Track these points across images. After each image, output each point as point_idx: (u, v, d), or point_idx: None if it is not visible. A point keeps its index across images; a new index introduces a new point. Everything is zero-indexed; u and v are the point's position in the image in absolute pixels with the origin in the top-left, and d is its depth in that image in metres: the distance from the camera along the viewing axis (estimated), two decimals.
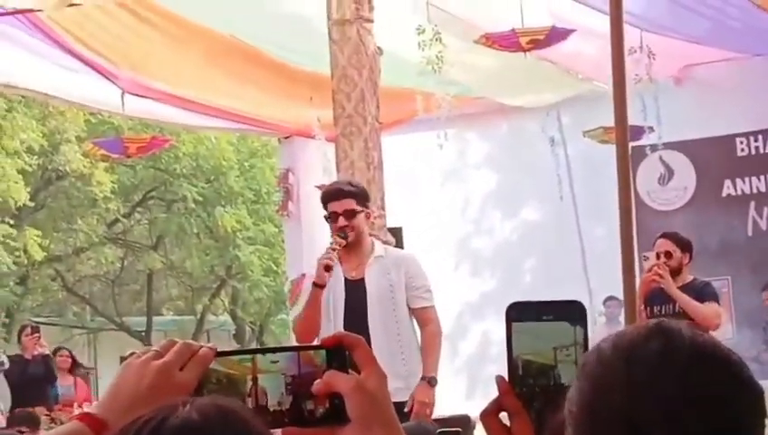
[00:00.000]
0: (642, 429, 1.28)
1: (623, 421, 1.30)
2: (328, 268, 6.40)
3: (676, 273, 7.66)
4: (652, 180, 11.79)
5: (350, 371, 1.64)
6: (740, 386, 1.32)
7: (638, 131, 9.98)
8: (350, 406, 1.46)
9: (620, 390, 1.32)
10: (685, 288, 7.68)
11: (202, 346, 1.56)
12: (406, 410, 6.55)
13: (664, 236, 7.93)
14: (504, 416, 1.53)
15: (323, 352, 1.66)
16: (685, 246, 7.95)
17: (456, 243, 12.47)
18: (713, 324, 7.41)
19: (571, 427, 1.36)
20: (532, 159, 11.73)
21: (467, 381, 10.73)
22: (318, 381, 1.50)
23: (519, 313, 1.53)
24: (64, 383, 12.91)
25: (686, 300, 7.61)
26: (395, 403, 5.69)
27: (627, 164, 5.14)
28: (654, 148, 11.26)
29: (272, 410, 1.52)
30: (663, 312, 7.59)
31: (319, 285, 6.46)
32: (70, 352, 13.61)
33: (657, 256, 7.71)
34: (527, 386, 1.50)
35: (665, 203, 11.75)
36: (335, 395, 1.59)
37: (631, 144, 5.29)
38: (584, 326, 1.53)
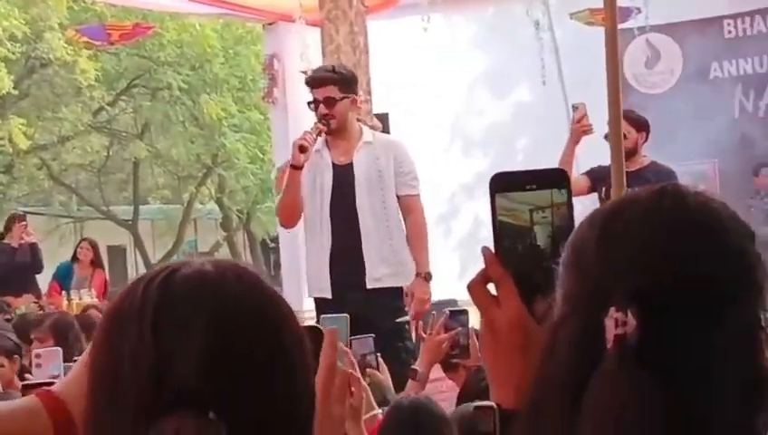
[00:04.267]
0: (604, 291, 1.26)
1: (591, 281, 1.29)
2: (303, 149, 6.37)
3: (631, 154, 7.01)
4: (639, 63, 11.74)
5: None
6: (727, 260, 1.29)
7: (626, 13, 9.91)
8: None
9: (593, 248, 1.31)
10: (641, 172, 7.24)
11: None
12: (407, 308, 6.58)
13: None
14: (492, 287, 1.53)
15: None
16: (640, 125, 7.64)
17: (447, 125, 12.46)
18: None
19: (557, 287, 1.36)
20: (520, 41, 11.66)
21: (460, 261, 10.76)
22: None
23: (502, 183, 1.53)
24: (81, 274, 12.85)
25: None
26: (385, 289, 5.69)
27: (615, 45, 5.10)
28: (642, 30, 11.20)
29: None
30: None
31: (295, 167, 6.44)
32: (92, 244, 13.42)
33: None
34: (506, 249, 1.50)
35: (652, 86, 11.72)
36: None
37: (619, 26, 5.25)
38: (566, 189, 1.52)
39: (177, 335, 1.35)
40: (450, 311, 5.03)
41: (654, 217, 1.30)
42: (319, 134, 6.48)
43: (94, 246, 13.21)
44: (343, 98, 6.53)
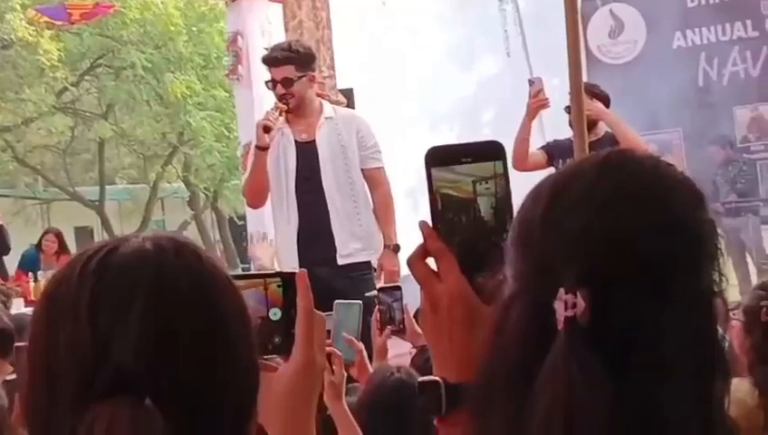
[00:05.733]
0: (553, 271, 1.24)
1: (539, 260, 1.27)
2: (267, 129, 6.35)
3: (590, 128, 6.75)
4: (603, 34, 11.75)
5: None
6: (674, 233, 1.25)
7: None
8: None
9: (538, 227, 1.28)
10: (597, 144, 7.05)
11: None
12: (376, 281, 6.57)
13: None
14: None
15: (279, 280, 1.73)
16: (601, 98, 7.62)
17: (412, 99, 12.45)
18: None
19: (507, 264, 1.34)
20: (483, 13, 11.65)
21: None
22: None
23: (437, 157, 1.51)
24: (48, 263, 12.76)
25: (615, 122, 7.33)
26: (356, 263, 5.71)
27: (575, 17, 5.12)
28: (605, 1, 11.22)
29: None
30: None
31: (260, 148, 6.42)
32: (57, 235, 13.33)
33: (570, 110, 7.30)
34: (447, 221, 1.49)
35: (616, 56, 11.73)
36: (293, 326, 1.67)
37: None
38: (503, 160, 1.50)
39: (115, 317, 1.32)
40: (380, 288, 5.01)
41: (597, 193, 1.27)
42: (281, 114, 6.45)
43: (59, 237, 13.15)
44: (301, 76, 6.49)
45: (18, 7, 21.47)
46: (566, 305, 1.21)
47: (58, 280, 1.39)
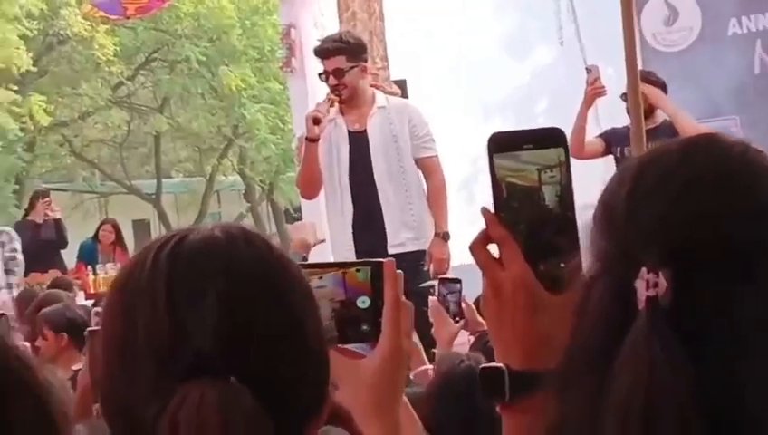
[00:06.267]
0: (635, 250, 1.23)
1: (622, 239, 1.26)
2: (316, 121, 6.37)
3: (647, 115, 6.80)
4: (657, 22, 11.66)
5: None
6: (763, 217, 1.24)
7: None
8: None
9: (623, 206, 1.27)
10: (655, 131, 7.11)
11: None
12: (425, 268, 6.57)
13: None
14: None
15: (368, 268, 1.74)
16: (657, 85, 7.63)
17: (465, 90, 12.43)
18: None
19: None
20: (535, 3, 11.61)
21: (481, 227, 10.79)
22: None
23: (499, 144, 1.51)
24: (105, 254, 12.89)
25: (673, 108, 7.27)
26: (407, 253, 5.68)
27: (630, 5, 5.10)
28: None
29: None
30: (627, 154, 7.14)
31: (311, 139, 6.44)
32: (114, 225, 13.47)
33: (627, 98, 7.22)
34: (511, 209, 1.49)
35: (670, 44, 11.64)
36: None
37: None
38: (566, 147, 1.50)
39: (191, 304, 1.35)
40: (441, 279, 5.01)
41: (685, 172, 1.26)
42: (332, 105, 6.47)
43: (116, 228, 13.27)
44: (352, 67, 6.50)
45: (73, 2, 21.64)
46: (648, 285, 1.20)
47: (130, 269, 1.42)
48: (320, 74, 6.65)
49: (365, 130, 6.58)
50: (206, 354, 1.33)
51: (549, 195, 1.49)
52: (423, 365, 4.09)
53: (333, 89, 6.50)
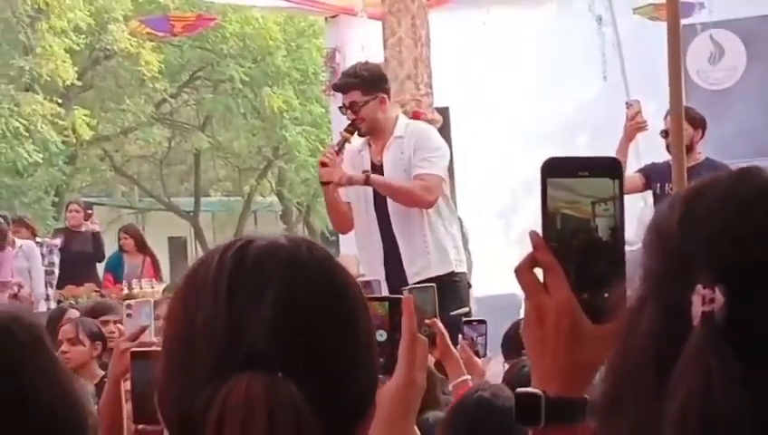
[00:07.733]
0: (689, 269, 1.24)
1: (674, 259, 1.26)
2: (323, 165, 6.36)
3: (687, 151, 6.63)
4: (702, 59, 11.65)
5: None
6: None
7: (689, 8, 9.85)
8: None
9: (676, 227, 1.27)
10: (697, 168, 7.03)
11: None
12: (457, 291, 6.51)
13: None
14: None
15: (386, 303, 1.86)
16: (697, 122, 7.57)
17: (508, 119, 12.41)
18: None
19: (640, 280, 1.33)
20: (581, 36, 11.61)
21: (520, 256, 10.75)
22: None
23: (554, 168, 1.52)
24: (132, 262, 12.98)
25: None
26: (429, 279, 5.59)
27: (677, 41, 5.07)
28: (705, 26, 11.13)
29: None
30: (667, 190, 7.16)
31: (323, 183, 6.44)
32: (131, 231, 13.58)
33: (667, 134, 7.18)
34: (563, 240, 1.49)
35: (715, 82, 11.63)
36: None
37: (682, 21, 5.21)
38: (621, 180, 1.50)
39: (250, 301, 1.41)
40: (466, 321, 4.98)
41: (739, 193, 1.27)
42: (343, 144, 6.41)
43: (133, 234, 13.35)
44: (368, 100, 6.43)
45: (121, 18, 21.82)
46: (704, 300, 1.21)
47: (196, 268, 1.49)
48: (339, 108, 6.63)
49: (382, 162, 6.52)
50: (259, 350, 1.39)
51: (602, 227, 1.49)
52: (462, 376, 4.17)
53: (352, 123, 6.45)
